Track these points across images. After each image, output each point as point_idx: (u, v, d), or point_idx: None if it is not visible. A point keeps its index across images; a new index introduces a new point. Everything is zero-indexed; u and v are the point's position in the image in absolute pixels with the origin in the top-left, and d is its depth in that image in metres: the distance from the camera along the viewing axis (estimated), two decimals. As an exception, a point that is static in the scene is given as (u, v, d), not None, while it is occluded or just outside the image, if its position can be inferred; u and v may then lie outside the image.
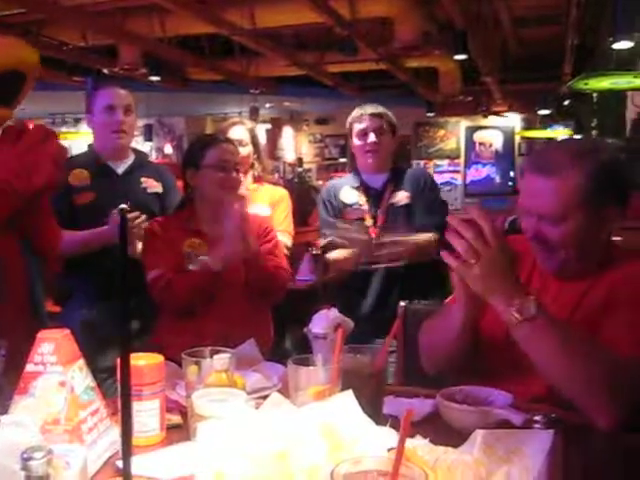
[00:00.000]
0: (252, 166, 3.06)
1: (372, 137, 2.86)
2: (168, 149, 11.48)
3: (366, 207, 2.89)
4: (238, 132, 3.00)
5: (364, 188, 2.93)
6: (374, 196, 2.90)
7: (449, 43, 6.79)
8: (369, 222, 2.86)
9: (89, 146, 2.88)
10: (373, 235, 2.80)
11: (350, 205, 2.92)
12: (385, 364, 1.35)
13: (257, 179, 3.11)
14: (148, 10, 6.45)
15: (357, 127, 2.90)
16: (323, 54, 7.84)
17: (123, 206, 0.82)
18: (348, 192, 2.95)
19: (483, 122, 10.89)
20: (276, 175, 11.20)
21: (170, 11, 6.03)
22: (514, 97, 10.03)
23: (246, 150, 2.96)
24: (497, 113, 10.54)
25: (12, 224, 1.78)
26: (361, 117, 2.90)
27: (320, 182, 10.04)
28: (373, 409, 1.27)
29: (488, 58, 7.69)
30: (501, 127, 10.94)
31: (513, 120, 10.93)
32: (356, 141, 2.91)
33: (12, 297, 1.74)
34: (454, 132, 11.09)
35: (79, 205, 2.60)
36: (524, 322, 1.36)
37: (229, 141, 2.48)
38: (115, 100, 2.69)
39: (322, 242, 2.87)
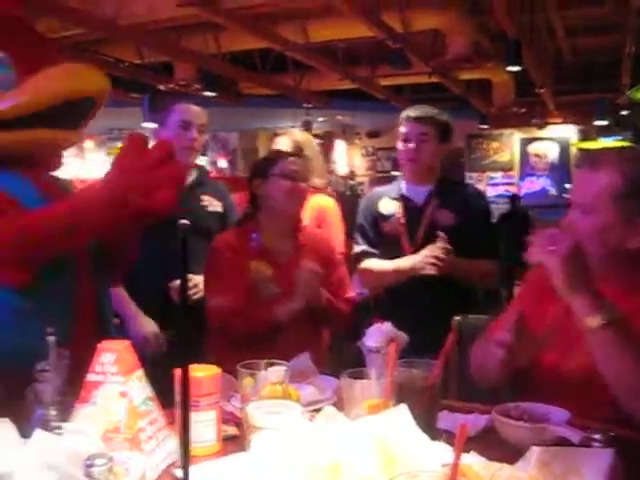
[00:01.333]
0: None
1: (411, 144, 2.65)
2: (222, 163, 11.64)
3: (403, 222, 2.67)
4: (282, 143, 2.99)
5: (404, 200, 2.71)
6: (414, 211, 2.67)
7: (502, 54, 6.73)
8: (405, 240, 2.64)
9: None
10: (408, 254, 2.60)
11: (386, 217, 2.70)
12: (439, 378, 1.35)
13: None
14: (203, 27, 6.58)
15: (400, 131, 2.71)
16: (375, 67, 7.86)
17: (184, 222, 0.84)
18: (387, 203, 2.73)
19: (538, 133, 10.73)
20: (329, 188, 11.25)
21: (224, 28, 6.14)
22: (569, 108, 9.87)
23: None
24: (552, 124, 10.38)
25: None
26: (405, 120, 2.69)
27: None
28: (427, 423, 1.27)
29: (542, 69, 7.58)
30: (556, 138, 10.76)
31: (568, 131, 10.74)
32: (399, 146, 2.72)
33: (82, 309, 1.74)
34: (508, 144, 10.95)
35: None
36: (606, 326, 1.37)
37: (298, 155, 2.49)
38: (191, 117, 2.69)
39: (355, 250, 2.75)
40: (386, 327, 1.64)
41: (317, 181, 3.03)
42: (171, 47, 6.74)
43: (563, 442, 1.26)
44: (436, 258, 2.48)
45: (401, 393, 1.29)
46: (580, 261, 1.43)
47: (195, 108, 2.74)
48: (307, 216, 2.80)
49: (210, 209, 2.73)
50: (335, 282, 2.39)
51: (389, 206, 2.72)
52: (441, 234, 2.51)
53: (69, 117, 1.73)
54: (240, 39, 6.52)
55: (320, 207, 3.02)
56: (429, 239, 2.55)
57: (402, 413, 1.20)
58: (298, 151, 2.86)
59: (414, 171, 2.71)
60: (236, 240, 2.37)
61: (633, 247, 1.54)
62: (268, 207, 2.36)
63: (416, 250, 2.57)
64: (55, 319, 1.38)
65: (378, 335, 1.63)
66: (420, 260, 2.52)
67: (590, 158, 1.62)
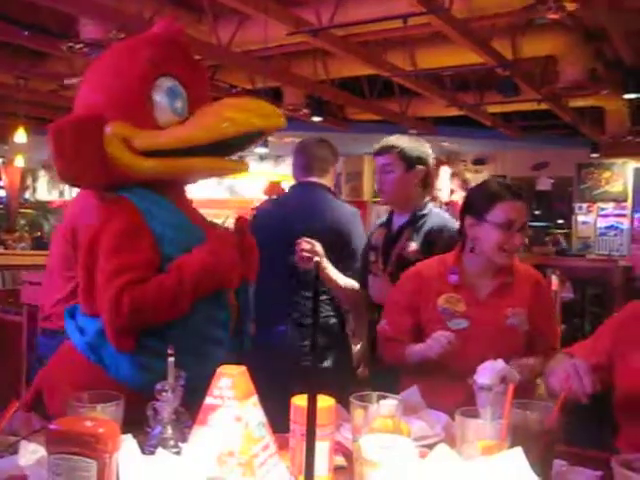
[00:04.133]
0: None
1: (378, 176, 2.67)
2: (327, 188, 11.78)
3: (380, 250, 2.64)
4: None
5: (387, 227, 2.70)
6: (390, 239, 2.65)
7: (617, 81, 6.51)
8: (377, 267, 2.60)
9: None
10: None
11: (374, 245, 2.69)
12: (557, 423, 1.30)
13: None
14: (312, 54, 6.72)
15: None
16: (483, 94, 7.77)
17: (316, 259, 0.86)
18: (377, 229, 2.75)
19: (653, 163, 10.26)
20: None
21: (333, 54, 6.25)
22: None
23: None
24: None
25: None
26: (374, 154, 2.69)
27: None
28: (542, 470, 1.23)
29: (660, 96, 7.27)
30: (673, 168, 10.25)
31: (688, 161, 10.21)
32: None
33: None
34: (621, 174, 10.50)
35: None
36: None
37: (518, 196, 2.18)
38: None
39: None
40: (499, 364, 1.61)
41: None
42: (281, 73, 6.92)
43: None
44: None
45: (515, 436, 1.25)
46: None
47: None
48: None
49: None
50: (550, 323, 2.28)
51: (377, 232, 2.73)
52: None
53: (232, 147, 1.83)
54: (348, 65, 6.62)
55: None
56: (397, 270, 2.47)
57: (518, 457, 1.16)
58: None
59: (387, 202, 2.75)
60: (435, 267, 2.26)
61: None
62: (477, 249, 2.19)
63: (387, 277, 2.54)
64: None
65: (490, 372, 1.59)
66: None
67: None
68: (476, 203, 2.21)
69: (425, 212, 2.64)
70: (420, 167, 2.64)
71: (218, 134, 1.75)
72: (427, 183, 2.68)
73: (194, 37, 5.43)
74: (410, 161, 2.62)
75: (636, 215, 10.35)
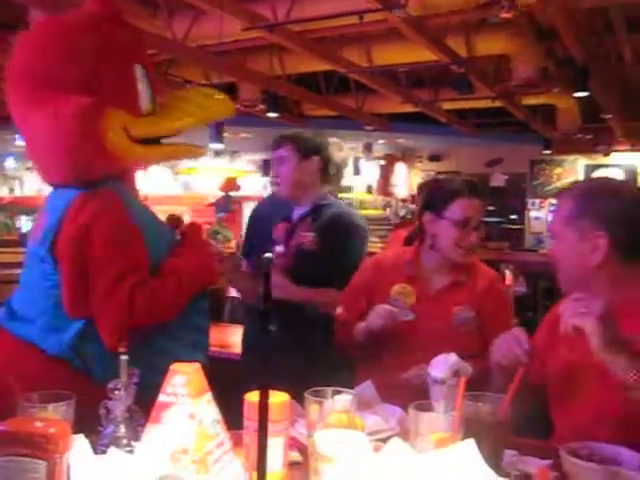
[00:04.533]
0: None
1: (273, 170, 2.69)
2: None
3: (281, 243, 2.62)
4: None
5: (288, 221, 2.69)
6: (290, 232, 2.64)
7: (568, 79, 6.63)
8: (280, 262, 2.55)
9: None
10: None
11: (275, 239, 2.67)
12: (508, 414, 1.33)
13: None
14: (268, 49, 6.70)
15: None
16: (438, 91, 7.85)
17: (267, 255, 0.85)
18: (278, 223, 2.72)
19: (603, 160, 10.49)
20: (388, 210, 11.23)
21: (289, 50, 6.23)
22: (637, 135, 9.62)
23: None
24: (618, 151, 10.14)
25: None
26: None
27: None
28: (494, 460, 1.25)
29: (609, 95, 7.44)
30: (623, 165, 10.50)
31: (635, 158, 10.47)
32: None
33: None
34: (572, 170, 10.72)
35: None
36: None
37: (476, 194, 2.21)
38: None
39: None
40: (452, 358, 1.63)
41: None
42: (237, 68, 6.88)
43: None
44: None
45: (468, 427, 1.27)
46: (612, 320, 1.44)
47: None
48: None
49: None
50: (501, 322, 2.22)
51: (278, 229, 2.71)
52: None
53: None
54: (304, 61, 6.61)
55: None
56: (297, 262, 2.53)
57: (470, 448, 1.18)
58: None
59: (284, 194, 2.69)
60: (392, 260, 2.29)
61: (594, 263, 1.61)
62: (434, 245, 2.22)
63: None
64: None
65: (443, 366, 1.61)
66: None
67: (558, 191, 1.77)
68: (435, 199, 2.23)
69: (325, 202, 2.64)
70: (316, 157, 2.63)
71: (205, 119, 1.89)
72: (327, 173, 2.68)
73: (149, 31, 5.34)
74: (304, 151, 2.62)
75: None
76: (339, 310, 2.31)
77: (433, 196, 2.26)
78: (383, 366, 2.09)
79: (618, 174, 10.47)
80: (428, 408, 1.31)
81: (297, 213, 2.68)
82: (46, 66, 1.77)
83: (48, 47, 1.78)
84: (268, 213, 2.88)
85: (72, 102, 1.73)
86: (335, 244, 2.52)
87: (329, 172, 2.67)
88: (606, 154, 10.22)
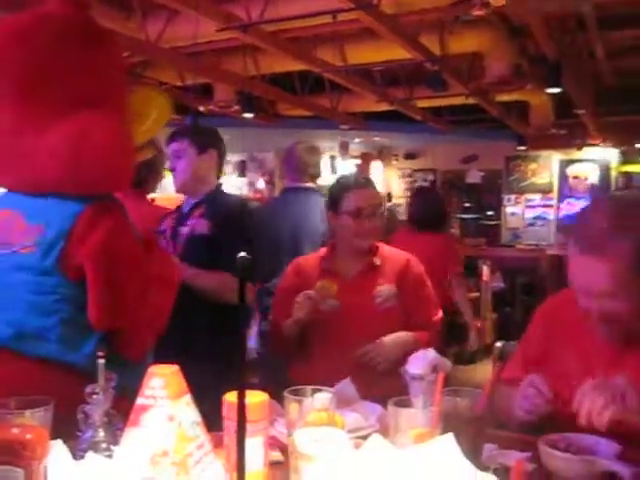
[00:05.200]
0: None
1: (170, 164, 2.67)
2: (260, 184, 11.72)
3: (168, 233, 2.63)
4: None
5: (178, 212, 2.72)
6: (179, 221, 2.64)
7: (541, 76, 6.69)
8: (170, 246, 2.57)
9: None
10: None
11: (162, 230, 2.67)
12: (485, 408, 1.34)
13: None
14: (242, 50, 6.68)
15: None
16: (412, 89, 7.87)
17: (243, 254, 0.86)
18: (166, 216, 2.76)
19: (577, 155, 10.60)
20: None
21: (264, 50, 6.22)
22: (610, 130, 9.74)
23: None
24: (592, 146, 10.25)
25: None
26: None
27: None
28: (473, 454, 1.26)
29: (582, 90, 7.51)
30: (597, 160, 10.62)
31: (609, 153, 10.59)
32: None
33: None
34: (546, 166, 10.82)
35: None
36: None
37: (364, 185, 2.46)
38: None
39: None
40: (430, 354, 1.64)
41: None
42: (211, 69, 6.85)
43: (613, 477, 1.24)
44: None
45: (447, 422, 1.28)
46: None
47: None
48: None
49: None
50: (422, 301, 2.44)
51: (166, 220, 2.72)
52: None
53: None
54: (279, 61, 6.59)
55: None
56: (188, 250, 2.53)
57: (449, 443, 1.19)
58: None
59: (179, 187, 2.69)
60: (311, 261, 2.50)
61: None
62: (341, 240, 2.47)
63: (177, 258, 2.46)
64: None
65: (422, 362, 1.62)
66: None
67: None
68: (331, 198, 2.46)
69: (217, 192, 2.69)
70: (212, 151, 2.66)
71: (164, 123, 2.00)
72: (220, 167, 2.75)
73: (119, 32, 5.30)
74: (202, 145, 2.64)
75: (560, 205, 10.70)
76: (271, 315, 2.51)
77: (330, 196, 2.49)
78: (314, 355, 2.30)
79: (593, 168, 10.60)
80: (407, 404, 1.32)
81: (189, 204, 2.68)
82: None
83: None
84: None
85: (88, 115, 1.73)
86: (230, 227, 2.52)
87: (222, 165, 2.76)
88: (579, 149, 10.33)
